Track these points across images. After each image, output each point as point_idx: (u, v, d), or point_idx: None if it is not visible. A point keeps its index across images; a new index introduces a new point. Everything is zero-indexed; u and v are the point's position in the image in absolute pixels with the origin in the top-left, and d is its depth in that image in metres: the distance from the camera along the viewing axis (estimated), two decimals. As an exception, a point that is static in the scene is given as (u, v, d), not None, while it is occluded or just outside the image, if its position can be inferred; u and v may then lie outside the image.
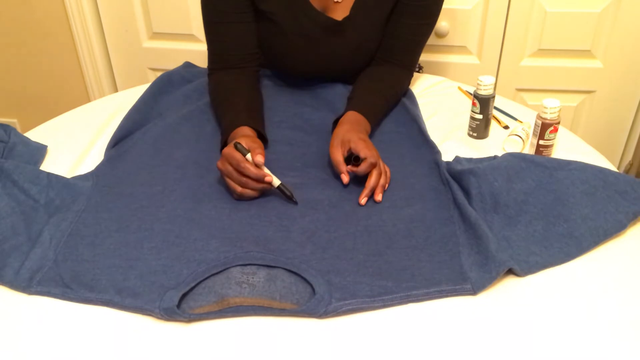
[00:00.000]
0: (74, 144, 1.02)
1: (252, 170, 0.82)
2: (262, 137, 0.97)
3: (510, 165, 0.82)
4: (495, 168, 0.82)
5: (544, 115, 0.92)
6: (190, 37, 1.71)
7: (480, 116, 1.00)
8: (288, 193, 0.83)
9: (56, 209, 0.82)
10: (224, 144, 0.96)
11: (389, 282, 0.70)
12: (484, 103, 0.99)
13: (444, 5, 1.09)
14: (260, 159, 0.82)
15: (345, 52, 1.10)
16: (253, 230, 0.78)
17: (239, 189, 0.83)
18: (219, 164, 0.84)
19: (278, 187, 0.84)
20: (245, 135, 0.91)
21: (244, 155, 0.83)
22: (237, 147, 0.83)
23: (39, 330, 0.65)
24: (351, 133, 0.91)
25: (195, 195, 0.86)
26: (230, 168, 0.83)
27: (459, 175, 0.85)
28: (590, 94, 1.59)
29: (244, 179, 0.82)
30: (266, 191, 0.86)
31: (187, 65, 1.29)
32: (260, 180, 0.83)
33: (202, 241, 0.76)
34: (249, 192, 0.83)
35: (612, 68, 1.54)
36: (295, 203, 0.83)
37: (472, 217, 0.77)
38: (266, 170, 0.83)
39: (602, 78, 1.56)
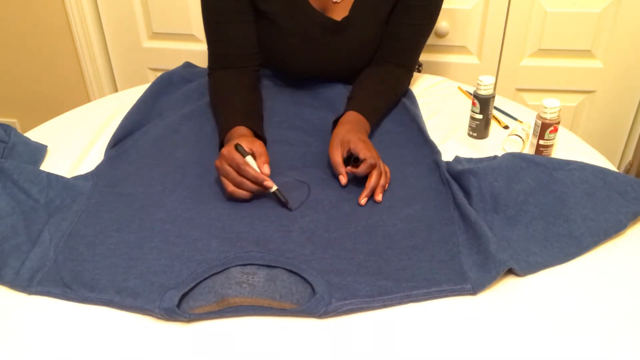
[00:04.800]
0: (74, 144, 1.02)
1: (251, 172, 0.82)
2: (259, 137, 0.97)
3: (510, 165, 0.82)
4: (495, 168, 0.82)
5: (544, 115, 0.92)
6: (190, 37, 1.71)
7: (480, 116, 1.00)
8: (283, 200, 0.82)
9: (56, 209, 0.82)
10: (221, 144, 0.96)
11: (389, 282, 0.70)
12: (484, 103, 0.99)
13: (444, 5, 1.09)
14: (267, 169, 0.83)
15: (344, 52, 1.10)
16: (253, 230, 0.78)
17: (230, 187, 0.83)
18: (217, 163, 0.84)
19: (273, 192, 0.83)
20: (242, 135, 0.91)
21: (244, 157, 0.83)
22: (237, 148, 0.83)
23: (39, 330, 0.65)
24: (351, 133, 0.91)
25: (195, 195, 0.86)
26: (228, 168, 0.83)
27: (459, 175, 0.85)
28: (590, 94, 1.59)
29: (239, 180, 0.82)
30: (265, 192, 0.86)
31: (187, 65, 1.29)
32: (258, 183, 0.83)
33: (202, 241, 0.76)
34: (240, 193, 0.83)
35: (612, 68, 1.54)
36: (290, 210, 0.82)
37: (472, 217, 0.77)
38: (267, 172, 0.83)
39: (602, 78, 1.56)
